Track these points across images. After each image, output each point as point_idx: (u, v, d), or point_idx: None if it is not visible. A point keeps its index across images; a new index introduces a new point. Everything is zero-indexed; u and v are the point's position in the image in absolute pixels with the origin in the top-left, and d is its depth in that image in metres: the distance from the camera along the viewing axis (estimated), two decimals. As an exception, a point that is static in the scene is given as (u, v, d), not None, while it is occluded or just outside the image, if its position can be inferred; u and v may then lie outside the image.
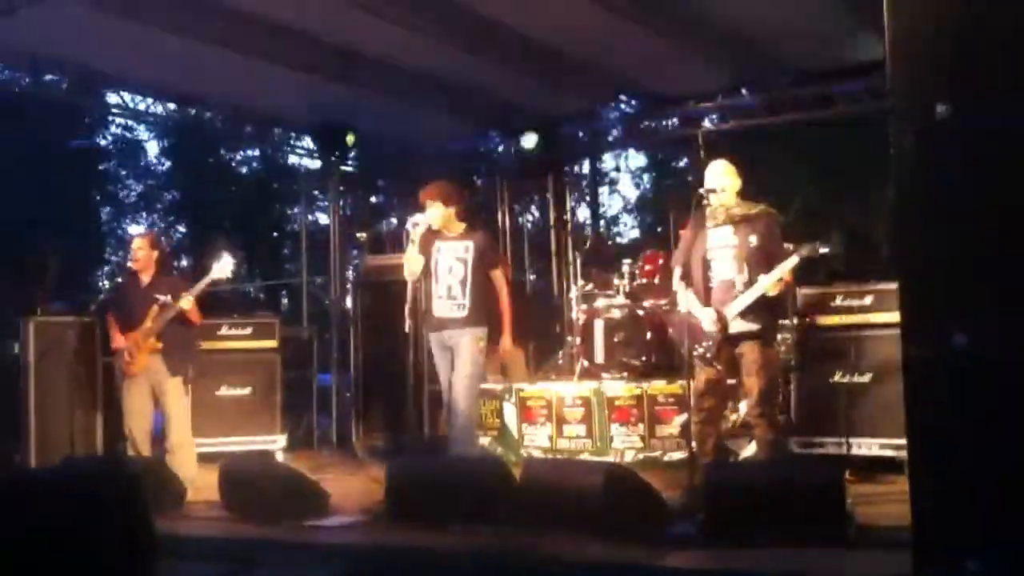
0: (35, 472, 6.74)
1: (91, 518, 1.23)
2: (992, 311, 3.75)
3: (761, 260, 5.78)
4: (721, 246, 5.90)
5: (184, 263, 22.54)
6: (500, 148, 11.70)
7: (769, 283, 5.68)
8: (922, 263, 3.94)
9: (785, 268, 5.68)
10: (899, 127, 3.95)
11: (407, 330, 6.51)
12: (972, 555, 3.70)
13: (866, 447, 6.65)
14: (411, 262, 6.46)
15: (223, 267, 6.95)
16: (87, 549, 1.20)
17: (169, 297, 6.84)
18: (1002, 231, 3.76)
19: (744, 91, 10.04)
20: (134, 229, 23.78)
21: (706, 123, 10.39)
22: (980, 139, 3.83)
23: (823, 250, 5.68)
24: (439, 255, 6.55)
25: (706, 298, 5.90)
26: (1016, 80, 3.79)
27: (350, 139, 10.02)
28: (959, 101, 3.83)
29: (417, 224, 6.43)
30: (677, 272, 6.15)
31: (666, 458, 7.44)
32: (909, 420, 3.97)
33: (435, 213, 6.48)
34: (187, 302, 6.79)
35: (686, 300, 6.02)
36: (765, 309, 5.81)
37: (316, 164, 11.88)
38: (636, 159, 22.68)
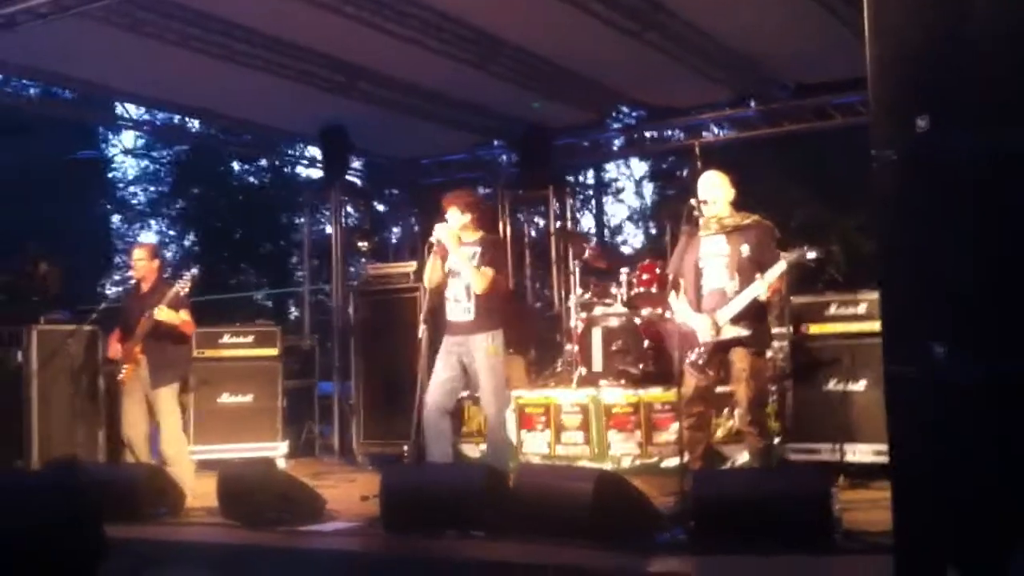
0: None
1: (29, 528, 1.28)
2: (970, 324, 3.80)
3: (753, 269, 5.82)
4: (713, 255, 5.95)
5: (194, 271, 22.59)
6: (503, 158, 11.80)
7: (759, 289, 5.72)
8: (902, 276, 3.99)
9: (773, 274, 5.72)
10: (879, 140, 4.00)
11: (420, 335, 6.61)
12: (953, 563, 3.74)
13: (860, 453, 6.69)
14: (432, 271, 6.58)
15: (185, 279, 6.98)
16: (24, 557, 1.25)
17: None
18: (981, 244, 3.81)
19: (747, 103, 10.14)
20: (144, 237, 23.93)
21: (706, 135, 10.48)
22: (960, 153, 3.87)
23: (811, 255, 5.72)
24: (451, 261, 6.62)
25: (697, 306, 5.95)
26: (997, 95, 3.83)
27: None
28: (940, 115, 3.88)
29: (440, 236, 6.50)
30: (670, 279, 6.20)
31: (663, 465, 7.48)
32: (890, 430, 4.02)
33: (454, 220, 6.58)
34: (161, 313, 6.78)
35: (679, 308, 6.07)
36: (755, 317, 5.85)
37: (320, 174, 11.96)
38: (640, 168, 22.74)
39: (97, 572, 1.27)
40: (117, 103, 10.13)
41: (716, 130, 10.73)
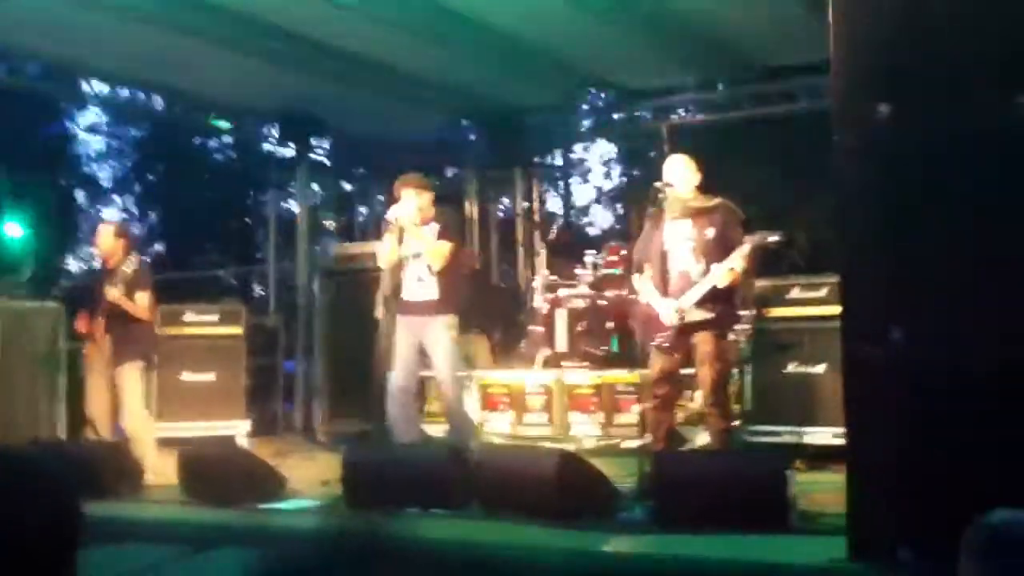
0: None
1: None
2: (928, 307, 3.86)
3: (718, 252, 5.87)
4: (679, 239, 6.00)
5: (160, 249, 22.56)
6: (470, 138, 11.77)
7: (722, 272, 5.76)
8: (861, 260, 4.04)
9: (736, 257, 5.77)
10: (840, 126, 4.04)
11: (378, 316, 6.62)
12: (905, 543, 3.81)
13: (819, 436, 6.77)
14: (388, 251, 6.56)
15: (130, 260, 6.90)
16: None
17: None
18: (939, 229, 3.86)
19: (715, 86, 10.18)
20: (108, 215, 23.69)
21: (674, 117, 10.52)
22: (920, 138, 3.92)
23: (772, 238, 5.78)
24: (409, 241, 6.61)
25: (664, 290, 5.99)
26: (956, 80, 3.89)
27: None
28: (900, 101, 3.92)
29: (398, 216, 6.49)
30: (635, 263, 6.24)
31: (624, 445, 7.55)
32: (847, 412, 4.08)
33: (411, 202, 6.54)
34: (112, 293, 6.74)
35: (645, 291, 6.12)
36: (720, 299, 5.90)
37: (288, 152, 11.87)
38: (608, 149, 22.74)
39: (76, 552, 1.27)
40: (82, 79, 10.03)
41: (684, 113, 10.75)
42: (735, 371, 7.07)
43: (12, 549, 1.33)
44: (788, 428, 6.90)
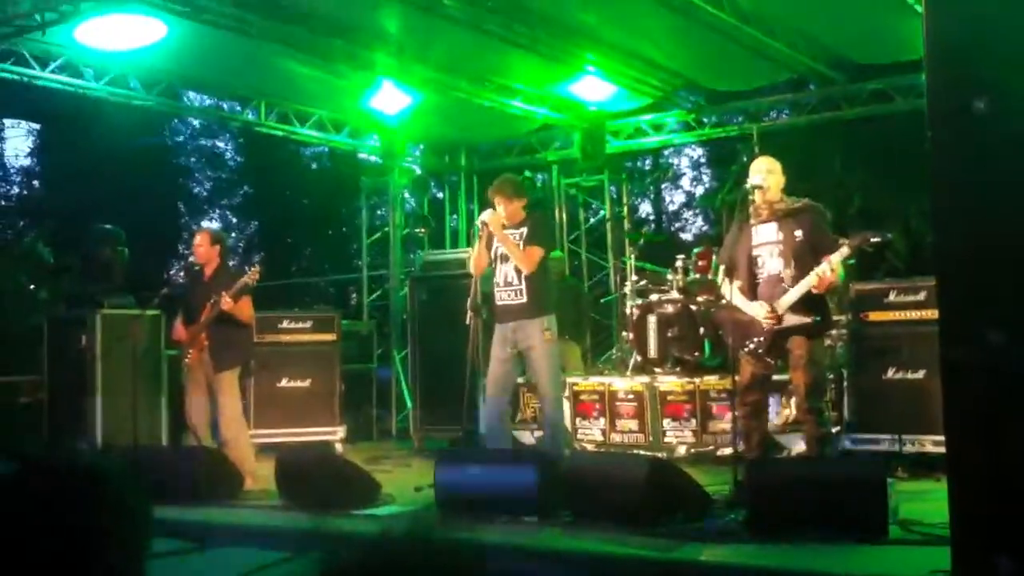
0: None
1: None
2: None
3: (809, 254, 5.74)
4: (767, 242, 5.88)
5: (257, 257, 22.99)
6: (557, 144, 11.76)
7: (818, 275, 5.62)
8: (956, 260, 3.92)
9: (834, 260, 5.62)
10: (935, 123, 3.93)
11: (467, 322, 6.64)
12: (1009, 554, 3.68)
13: (919, 444, 6.60)
14: (477, 257, 6.60)
15: (254, 270, 7.03)
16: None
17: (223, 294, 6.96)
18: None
19: (807, 86, 10.02)
20: (207, 224, 24.24)
21: (765, 120, 10.38)
22: (1018, 134, 3.79)
23: (873, 240, 5.62)
24: (498, 246, 6.60)
25: (752, 294, 5.89)
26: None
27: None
28: (997, 96, 3.80)
29: (487, 221, 6.50)
30: (722, 268, 6.14)
31: (718, 453, 7.44)
32: (946, 417, 3.96)
33: (502, 208, 6.54)
34: (225, 303, 6.86)
35: (732, 296, 6.01)
36: (814, 304, 5.77)
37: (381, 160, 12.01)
38: (699, 153, 22.54)
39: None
40: (182, 92, 10.31)
41: (775, 114, 10.60)
42: (832, 377, 6.92)
43: (75, 553, 1.34)
44: (888, 436, 6.72)
